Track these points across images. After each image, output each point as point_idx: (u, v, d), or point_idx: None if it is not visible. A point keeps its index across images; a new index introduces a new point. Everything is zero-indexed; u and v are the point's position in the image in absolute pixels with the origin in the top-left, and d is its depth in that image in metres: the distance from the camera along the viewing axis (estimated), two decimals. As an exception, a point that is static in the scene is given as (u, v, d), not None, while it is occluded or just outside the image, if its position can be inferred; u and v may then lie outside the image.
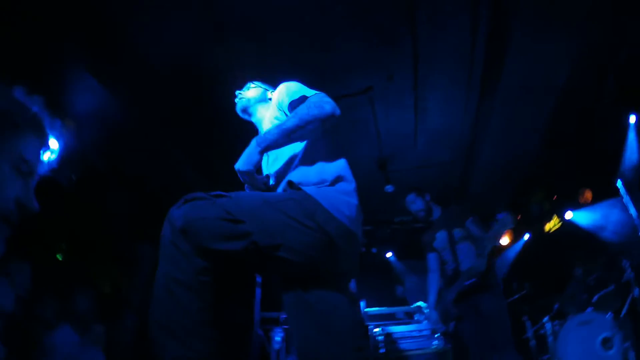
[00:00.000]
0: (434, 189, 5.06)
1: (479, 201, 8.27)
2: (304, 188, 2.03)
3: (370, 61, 5.15)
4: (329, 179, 2.12)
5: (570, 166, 7.08)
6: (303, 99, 2.26)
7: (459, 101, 5.94)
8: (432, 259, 4.83)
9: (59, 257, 6.40)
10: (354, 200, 2.13)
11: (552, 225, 7.53)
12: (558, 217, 6.14)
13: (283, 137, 2.10)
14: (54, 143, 1.26)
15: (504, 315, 4.28)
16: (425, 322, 5.70)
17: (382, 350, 5.49)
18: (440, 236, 4.72)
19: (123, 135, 5.64)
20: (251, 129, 2.80)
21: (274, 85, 2.62)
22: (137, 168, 6.48)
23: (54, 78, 4.55)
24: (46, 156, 1.23)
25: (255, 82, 2.90)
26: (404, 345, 5.64)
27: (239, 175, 2.14)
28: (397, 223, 9.55)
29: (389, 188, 7.60)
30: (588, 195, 7.01)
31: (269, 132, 2.12)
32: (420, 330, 5.79)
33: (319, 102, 2.14)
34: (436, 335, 5.28)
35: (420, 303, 6.05)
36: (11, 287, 3.66)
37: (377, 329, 5.72)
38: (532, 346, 6.67)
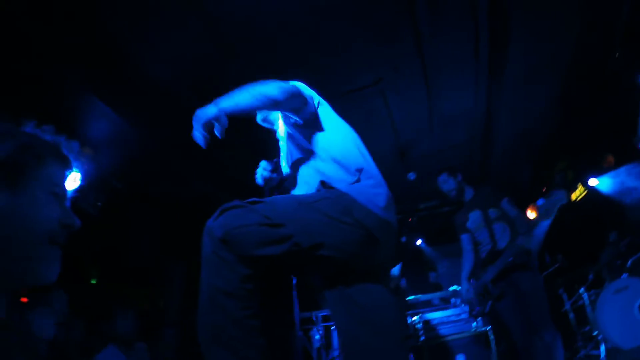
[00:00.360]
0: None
1: (502, 178, 8.21)
2: (336, 186, 2.06)
3: (376, 54, 5.13)
4: (357, 173, 2.14)
5: (589, 132, 6.97)
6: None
7: (469, 81, 5.88)
8: (465, 239, 4.83)
9: (93, 281, 6.52)
10: (385, 190, 2.16)
11: (578, 194, 7.42)
12: (582, 185, 6.05)
13: (232, 104, 2.06)
14: (76, 165, 1.31)
15: (541, 292, 4.29)
16: (462, 305, 5.68)
17: (422, 338, 5.49)
18: (474, 216, 4.70)
19: (141, 157, 5.71)
20: (273, 138, 2.78)
21: None
22: (160, 187, 6.56)
23: (66, 109, 4.62)
24: (71, 178, 1.29)
25: None
26: (443, 330, 5.65)
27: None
28: (423, 209, 9.51)
29: (411, 175, 7.59)
30: (610, 160, 6.89)
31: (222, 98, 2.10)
32: (458, 314, 5.79)
33: (269, 84, 2.14)
34: (474, 315, 5.24)
35: (455, 287, 6.04)
36: (52, 315, 3.75)
37: (415, 317, 5.73)
38: (572, 319, 6.61)
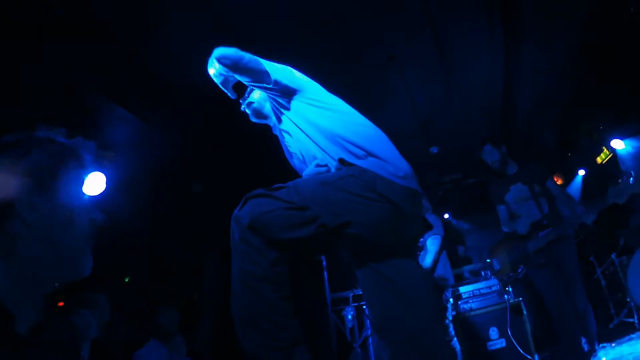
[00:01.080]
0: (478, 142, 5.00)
1: (526, 145, 8.10)
2: (357, 162, 2.07)
3: (387, 28, 5.07)
4: (373, 147, 2.14)
5: (612, 92, 6.79)
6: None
7: (484, 46, 5.77)
8: (502, 210, 4.87)
9: (127, 279, 6.67)
10: (403, 160, 2.17)
11: (603, 157, 7.28)
12: (607, 148, 5.89)
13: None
14: (95, 164, 1.36)
15: (576, 262, 4.39)
16: (493, 277, 5.65)
17: (454, 313, 5.50)
18: (516, 189, 4.72)
19: (164, 154, 5.75)
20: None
21: None
22: (185, 182, 6.61)
23: (85, 118, 4.67)
24: (98, 181, 1.35)
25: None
26: (475, 304, 5.64)
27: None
28: (448, 182, 9.44)
29: (433, 149, 7.54)
30: None
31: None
32: (489, 287, 5.76)
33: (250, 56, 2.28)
34: (508, 289, 5.23)
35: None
36: (94, 316, 3.87)
37: (445, 292, 5.73)
38: (604, 286, 6.53)
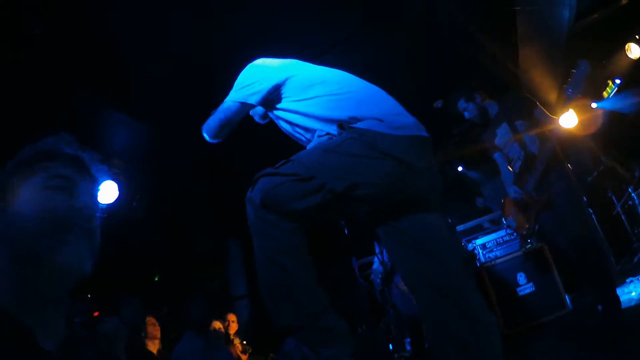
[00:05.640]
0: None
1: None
2: (355, 126, 2.06)
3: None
4: (366, 111, 2.12)
5: (612, 22, 6.59)
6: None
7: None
8: (499, 157, 4.47)
9: (156, 278, 6.78)
10: (403, 112, 2.16)
11: (609, 91, 7.14)
12: (612, 82, 5.75)
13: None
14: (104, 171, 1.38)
15: (570, 192, 3.98)
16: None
17: (478, 264, 5.52)
18: (503, 131, 4.30)
19: (179, 153, 5.76)
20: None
21: None
22: (198, 177, 6.64)
23: (88, 127, 4.71)
24: (109, 190, 1.35)
25: None
26: (499, 252, 5.65)
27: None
28: (456, 135, 9.34)
29: (438, 104, 7.45)
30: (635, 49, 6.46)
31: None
32: (511, 233, 5.75)
33: (222, 108, 2.33)
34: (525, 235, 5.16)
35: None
36: (122, 321, 3.95)
37: (468, 244, 5.76)
38: (625, 220, 6.45)
